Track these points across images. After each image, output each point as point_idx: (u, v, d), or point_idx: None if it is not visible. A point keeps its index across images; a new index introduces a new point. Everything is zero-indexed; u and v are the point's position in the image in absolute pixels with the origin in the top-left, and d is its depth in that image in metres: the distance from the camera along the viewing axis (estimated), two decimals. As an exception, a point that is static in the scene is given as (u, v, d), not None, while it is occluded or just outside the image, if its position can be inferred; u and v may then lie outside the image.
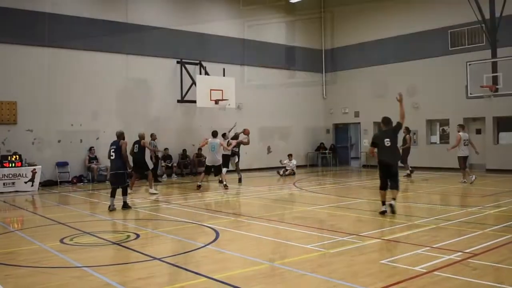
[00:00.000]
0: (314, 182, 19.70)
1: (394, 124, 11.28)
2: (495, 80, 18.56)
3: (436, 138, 25.79)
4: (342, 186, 18.04)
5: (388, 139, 11.01)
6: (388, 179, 11.16)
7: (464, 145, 17.64)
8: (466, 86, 19.31)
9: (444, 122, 25.26)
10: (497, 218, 10.51)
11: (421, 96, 25.35)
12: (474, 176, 17.67)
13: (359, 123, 28.62)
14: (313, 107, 29.72)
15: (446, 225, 9.76)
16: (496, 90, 18.32)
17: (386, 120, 11.35)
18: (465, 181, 17.62)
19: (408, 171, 20.34)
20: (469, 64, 19.79)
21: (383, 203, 11.21)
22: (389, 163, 11.02)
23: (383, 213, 11.04)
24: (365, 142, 27.94)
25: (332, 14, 29.90)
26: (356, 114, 28.64)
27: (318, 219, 11.03)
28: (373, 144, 11.22)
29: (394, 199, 11.18)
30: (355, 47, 28.56)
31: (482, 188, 16.06)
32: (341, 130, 30.17)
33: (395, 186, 11.20)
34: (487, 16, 20.55)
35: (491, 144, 22.87)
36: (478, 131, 23.64)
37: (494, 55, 20.23)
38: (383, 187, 11.26)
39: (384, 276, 6.30)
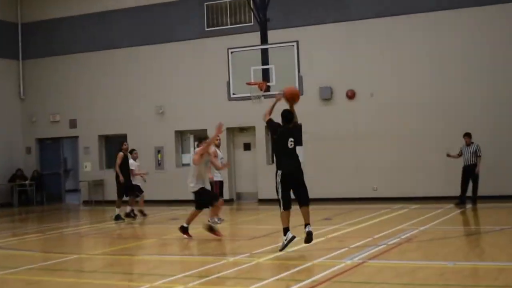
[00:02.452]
0: (6, 232, 18.90)
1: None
2: (266, 74, 19.95)
3: (190, 158, 26.85)
4: (50, 236, 17.71)
5: (292, 139, 12.29)
6: (294, 193, 12.15)
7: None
8: (228, 83, 20.43)
9: (201, 134, 26.45)
10: (271, 269, 11.24)
11: (168, 95, 26.24)
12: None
13: (78, 137, 28.38)
14: (4, 113, 28.58)
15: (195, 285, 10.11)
16: (268, 88, 19.67)
17: (289, 115, 12.45)
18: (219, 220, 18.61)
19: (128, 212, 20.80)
20: (232, 52, 20.96)
21: (287, 230, 12.03)
22: (294, 170, 12.26)
23: (290, 241, 12.02)
24: (86, 166, 27.83)
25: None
26: (73, 124, 28.37)
27: (7, 291, 10.50)
28: (273, 137, 12.50)
29: (308, 224, 12.07)
30: (71, 21, 28.43)
31: (251, 227, 17.16)
32: (49, 148, 29.55)
33: (306, 200, 12.19)
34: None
35: (264, 164, 24.65)
36: (247, 147, 25.31)
37: (264, 39, 21.85)
38: (288, 206, 12.06)
39: None
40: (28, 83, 29.46)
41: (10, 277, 11.63)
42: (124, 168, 20.31)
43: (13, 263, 13.18)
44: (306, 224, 12.11)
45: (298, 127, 12.96)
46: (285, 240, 12.09)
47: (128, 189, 20.43)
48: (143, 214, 20.55)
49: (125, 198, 20.41)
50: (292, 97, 12.80)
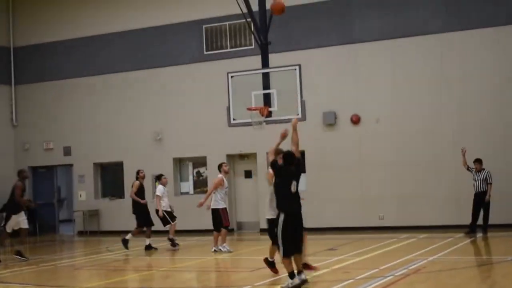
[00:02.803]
0: (-4, 264, 18.86)
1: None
2: (267, 99, 20.01)
3: (189, 186, 26.87)
4: (44, 268, 17.62)
5: (295, 183, 12.03)
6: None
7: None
8: (228, 108, 20.48)
9: (200, 162, 26.52)
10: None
11: (165, 121, 26.31)
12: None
13: (72, 165, 28.40)
14: (-5, 140, 28.70)
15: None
16: (269, 114, 19.74)
17: (291, 158, 12.17)
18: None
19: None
20: (232, 77, 21.03)
21: (293, 275, 11.68)
22: (297, 213, 12.03)
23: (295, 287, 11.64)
24: (81, 196, 27.80)
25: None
26: (67, 151, 28.41)
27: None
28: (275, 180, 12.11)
29: (302, 271, 11.92)
30: (65, 45, 28.56)
31: (253, 258, 17.10)
32: (42, 177, 29.53)
33: (301, 248, 12.06)
34: (255, 7, 22.28)
35: (266, 193, 24.52)
36: (248, 174, 25.32)
37: (265, 63, 21.92)
38: (289, 252, 11.74)
39: None
40: (20, 109, 29.50)
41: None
42: (140, 197, 20.33)
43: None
44: (300, 272, 11.92)
45: (300, 167, 12.62)
46: (290, 284, 11.81)
47: (147, 219, 20.39)
48: (173, 243, 20.23)
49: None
50: (278, 11, 15.05)
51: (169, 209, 20.37)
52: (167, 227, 20.32)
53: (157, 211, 20.14)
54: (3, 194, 28.32)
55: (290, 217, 11.83)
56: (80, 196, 27.99)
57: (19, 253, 18.88)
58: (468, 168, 20.65)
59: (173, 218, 20.28)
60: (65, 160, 28.55)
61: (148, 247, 20.10)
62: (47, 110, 28.78)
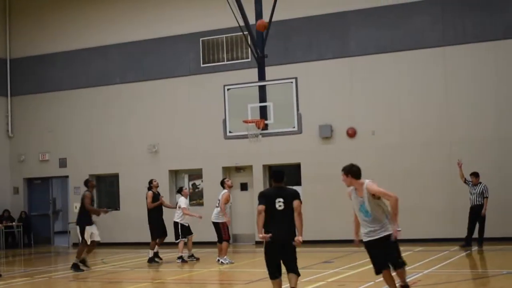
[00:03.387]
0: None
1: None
2: (263, 112, 20.11)
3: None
4: (39, 280, 17.66)
5: (281, 200, 11.21)
6: (283, 262, 11.25)
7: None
8: (224, 121, 20.58)
9: (196, 174, 26.58)
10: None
11: (161, 134, 26.40)
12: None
13: (68, 176, 28.42)
14: (-9, 151, 28.72)
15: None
16: (265, 126, 19.85)
17: (279, 175, 11.65)
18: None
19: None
20: (228, 89, 21.12)
21: None
22: (281, 238, 11.13)
23: None
24: (76, 207, 27.80)
25: (21, 6, 29.57)
26: (63, 163, 28.43)
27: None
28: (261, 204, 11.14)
29: None
30: (61, 56, 28.63)
31: (248, 270, 17.16)
32: (37, 188, 29.53)
33: (293, 269, 11.30)
34: (252, 20, 22.39)
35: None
36: (244, 187, 25.38)
37: (261, 76, 22.03)
38: (274, 276, 11.25)
39: None
40: (16, 121, 29.55)
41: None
42: (154, 207, 20.21)
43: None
44: None
45: (292, 191, 11.68)
46: None
47: (162, 231, 20.33)
48: (195, 258, 20.20)
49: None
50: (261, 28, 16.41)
51: (187, 223, 20.22)
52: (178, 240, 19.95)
53: (175, 223, 19.98)
54: (-1, 205, 28.42)
55: (271, 243, 11.15)
56: (76, 207, 27.75)
57: (83, 261, 18.95)
58: (465, 181, 20.72)
59: (186, 233, 20.06)
60: (60, 171, 28.56)
61: (152, 260, 19.88)
62: (43, 121, 28.82)
